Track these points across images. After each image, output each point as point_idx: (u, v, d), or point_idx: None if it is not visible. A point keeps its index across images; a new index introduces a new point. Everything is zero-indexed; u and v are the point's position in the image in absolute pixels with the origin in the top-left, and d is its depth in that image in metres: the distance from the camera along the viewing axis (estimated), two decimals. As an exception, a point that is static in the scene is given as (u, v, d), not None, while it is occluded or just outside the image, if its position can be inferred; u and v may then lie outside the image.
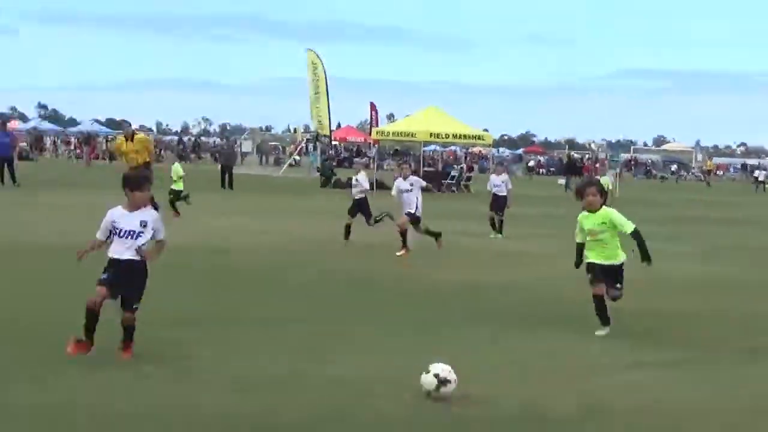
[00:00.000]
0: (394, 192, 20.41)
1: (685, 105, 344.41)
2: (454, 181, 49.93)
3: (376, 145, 61.33)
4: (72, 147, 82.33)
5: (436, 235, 19.51)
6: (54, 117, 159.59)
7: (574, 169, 63.44)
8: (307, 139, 68.03)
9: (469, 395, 8.38)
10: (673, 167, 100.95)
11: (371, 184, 26.51)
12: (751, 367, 10.08)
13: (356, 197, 21.98)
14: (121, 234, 8.86)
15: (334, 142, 70.05)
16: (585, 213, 11.42)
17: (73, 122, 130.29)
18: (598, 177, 26.95)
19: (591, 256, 11.34)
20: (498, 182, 24.25)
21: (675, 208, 42.51)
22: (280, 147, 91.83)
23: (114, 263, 8.90)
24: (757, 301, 14.64)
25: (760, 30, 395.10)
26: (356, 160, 72.71)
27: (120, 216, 8.93)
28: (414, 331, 11.32)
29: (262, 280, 15.73)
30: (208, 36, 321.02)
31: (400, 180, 20.07)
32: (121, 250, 8.86)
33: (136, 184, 9.09)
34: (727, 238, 27.59)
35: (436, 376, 7.87)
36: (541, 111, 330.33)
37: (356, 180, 22.91)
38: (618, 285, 11.20)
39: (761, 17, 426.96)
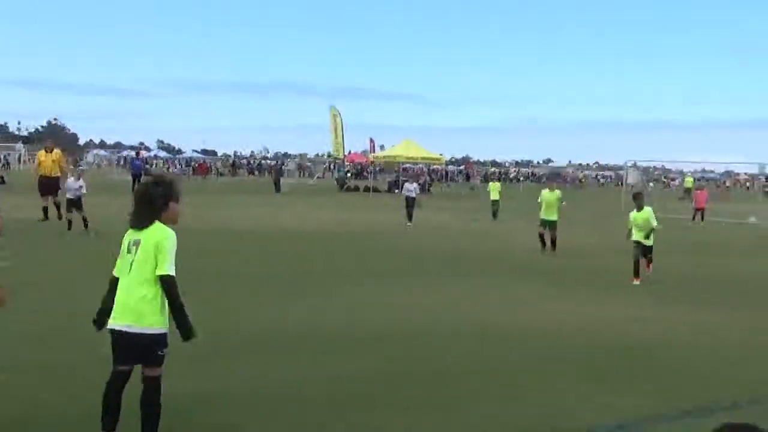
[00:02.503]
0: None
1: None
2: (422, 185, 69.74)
3: (372, 164, 78.09)
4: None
5: None
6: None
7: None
8: (330, 161, 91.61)
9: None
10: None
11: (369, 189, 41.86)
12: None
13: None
14: None
15: (346, 163, 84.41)
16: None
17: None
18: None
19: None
20: (410, 187, 34.37)
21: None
22: (312, 165, 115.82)
23: None
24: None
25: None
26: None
27: None
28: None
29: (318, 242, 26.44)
30: (270, 96, 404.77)
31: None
32: None
33: None
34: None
35: None
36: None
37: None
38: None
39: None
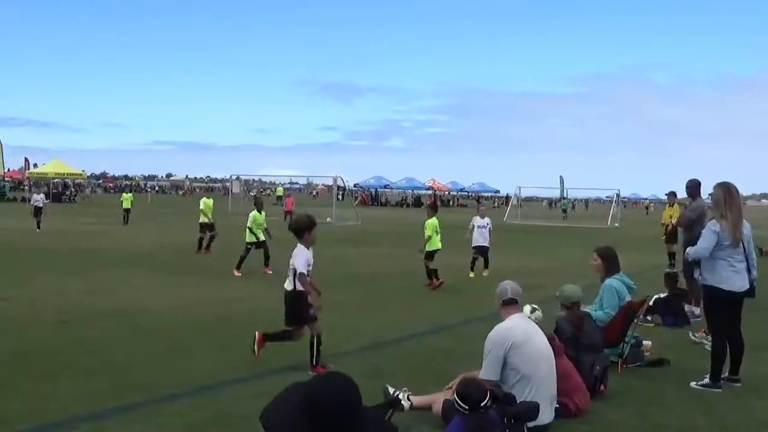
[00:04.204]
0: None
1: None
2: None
3: (28, 179, 72.09)
4: None
5: None
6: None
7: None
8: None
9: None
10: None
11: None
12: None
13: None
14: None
15: (6, 179, 78.22)
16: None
17: None
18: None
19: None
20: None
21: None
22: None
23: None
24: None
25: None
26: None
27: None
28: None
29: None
30: None
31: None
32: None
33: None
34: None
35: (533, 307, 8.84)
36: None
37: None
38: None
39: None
